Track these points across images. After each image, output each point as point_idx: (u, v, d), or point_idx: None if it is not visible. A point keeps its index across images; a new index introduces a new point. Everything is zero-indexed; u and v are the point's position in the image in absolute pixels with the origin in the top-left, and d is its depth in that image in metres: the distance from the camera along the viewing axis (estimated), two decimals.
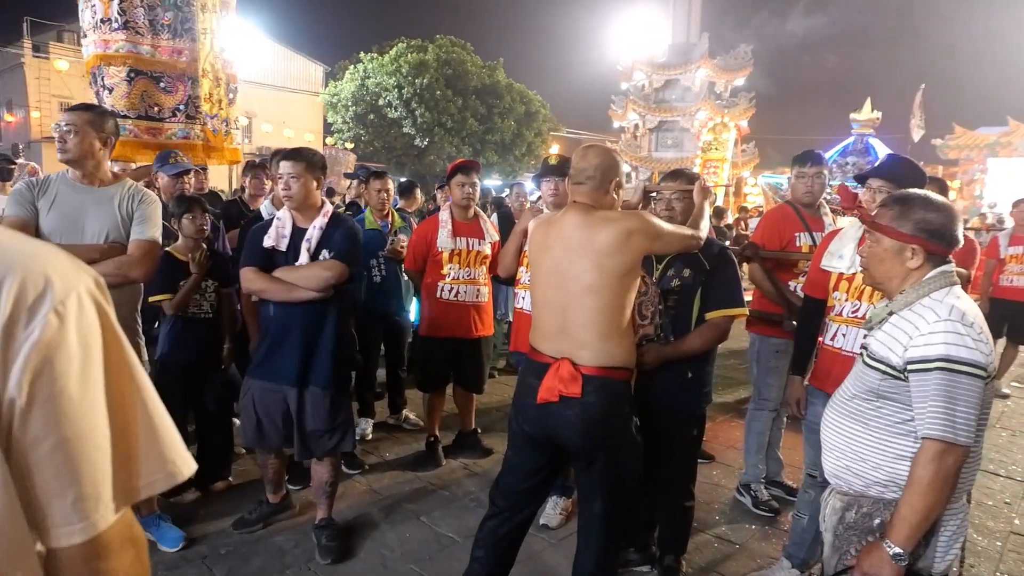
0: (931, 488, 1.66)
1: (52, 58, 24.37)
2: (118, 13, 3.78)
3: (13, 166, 5.91)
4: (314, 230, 2.93)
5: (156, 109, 3.97)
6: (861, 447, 1.86)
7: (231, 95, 4.18)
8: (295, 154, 2.93)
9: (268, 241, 2.94)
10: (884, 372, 1.80)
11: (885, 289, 1.92)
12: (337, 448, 3.13)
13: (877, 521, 1.81)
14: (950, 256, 1.85)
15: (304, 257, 2.91)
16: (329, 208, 3.02)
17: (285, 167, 2.88)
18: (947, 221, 1.81)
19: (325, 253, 2.93)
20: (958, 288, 1.80)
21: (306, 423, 3.01)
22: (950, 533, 1.77)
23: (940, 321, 1.69)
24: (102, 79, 3.81)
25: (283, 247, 2.94)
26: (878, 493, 1.83)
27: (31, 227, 2.65)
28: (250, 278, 2.93)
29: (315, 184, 2.94)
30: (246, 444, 3.10)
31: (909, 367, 1.71)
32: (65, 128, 2.68)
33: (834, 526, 1.92)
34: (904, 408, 1.77)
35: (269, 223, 2.99)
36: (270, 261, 2.94)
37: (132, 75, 3.84)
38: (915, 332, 1.73)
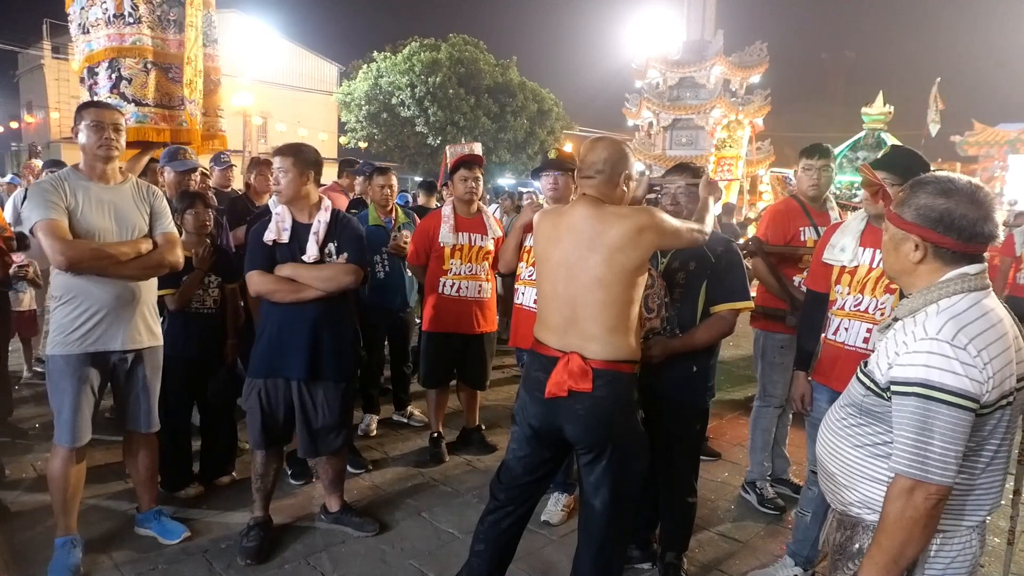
0: (898, 527, 1.47)
1: (71, 59, 24.59)
2: (131, 8, 3.89)
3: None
4: (319, 224, 2.99)
5: (168, 98, 4.09)
6: (839, 463, 1.70)
7: (211, 87, 4.28)
8: (284, 149, 3.02)
9: (269, 235, 2.98)
10: (867, 387, 1.61)
11: (900, 285, 1.71)
12: (342, 446, 3.21)
13: (857, 547, 1.65)
14: (983, 254, 1.56)
15: (313, 250, 2.95)
16: (329, 203, 3.08)
17: (276, 162, 2.99)
18: (959, 208, 1.50)
19: (331, 247, 3.00)
20: (981, 296, 1.53)
21: (314, 419, 3.06)
22: (943, 564, 1.57)
23: (926, 339, 1.46)
24: (117, 71, 3.91)
25: (285, 239, 2.97)
26: (856, 514, 1.66)
27: (67, 229, 2.71)
28: (257, 281, 2.97)
29: (307, 178, 2.99)
30: (254, 446, 3.10)
31: (892, 387, 1.52)
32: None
33: (832, 546, 1.77)
34: (886, 429, 1.57)
35: (268, 220, 3.03)
36: (272, 258, 2.98)
37: (148, 66, 3.95)
38: (903, 348, 1.51)
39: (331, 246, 3.00)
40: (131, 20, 3.91)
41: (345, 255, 3.02)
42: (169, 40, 4.07)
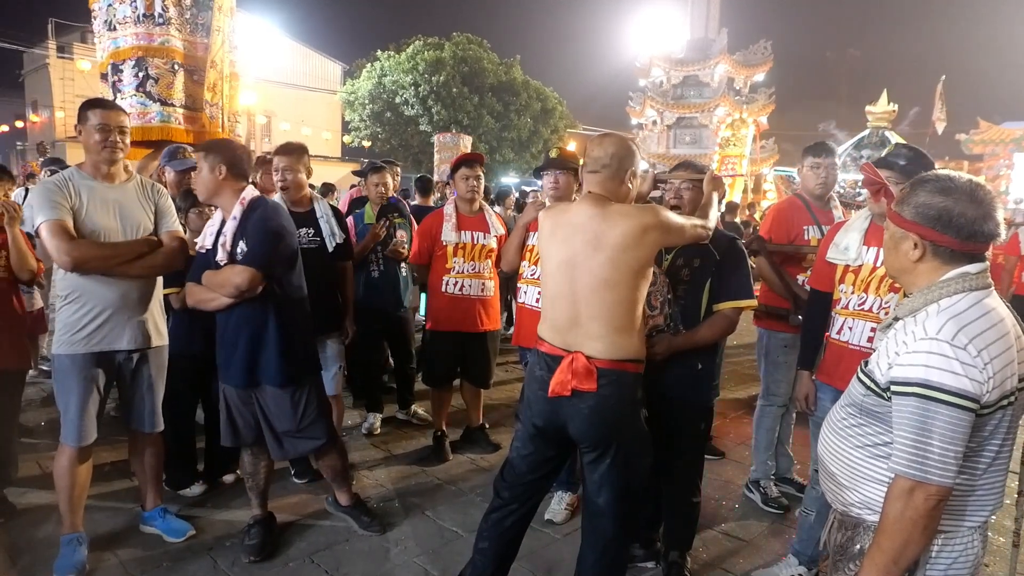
0: (898, 528, 1.46)
1: (76, 59, 24.62)
2: (162, 9, 3.94)
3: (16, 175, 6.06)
4: (230, 222, 2.77)
5: (192, 100, 4.13)
6: (840, 463, 1.69)
7: (231, 91, 4.33)
8: (197, 146, 2.92)
9: (197, 244, 2.89)
10: (867, 387, 1.60)
11: (901, 284, 1.69)
12: (320, 448, 3.07)
13: (858, 547, 1.64)
14: (984, 254, 1.55)
15: (221, 253, 2.76)
16: (247, 195, 2.80)
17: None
18: (958, 206, 1.49)
19: (242, 245, 2.74)
20: (983, 295, 1.51)
21: (274, 423, 2.95)
22: (945, 565, 1.56)
23: (926, 339, 1.45)
24: (145, 69, 3.95)
25: (209, 245, 2.83)
26: (857, 515, 1.65)
27: (72, 229, 2.71)
28: (187, 292, 2.88)
29: (218, 173, 2.74)
30: (224, 443, 3.07)
31: (892, 387, 1.50)
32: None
33: (833, 546, 1.76)
34: (886, 430, 1.56)
35: None
36: (208, 266, 2.82)
37: (176, 67, 3.99)
38: (903, 347, 1.50)
39: (241, 244, 2.73)
40: (161, 21, 3.97)
41: (244, 255, 2.73)
42: (196, 43, 4.15)
